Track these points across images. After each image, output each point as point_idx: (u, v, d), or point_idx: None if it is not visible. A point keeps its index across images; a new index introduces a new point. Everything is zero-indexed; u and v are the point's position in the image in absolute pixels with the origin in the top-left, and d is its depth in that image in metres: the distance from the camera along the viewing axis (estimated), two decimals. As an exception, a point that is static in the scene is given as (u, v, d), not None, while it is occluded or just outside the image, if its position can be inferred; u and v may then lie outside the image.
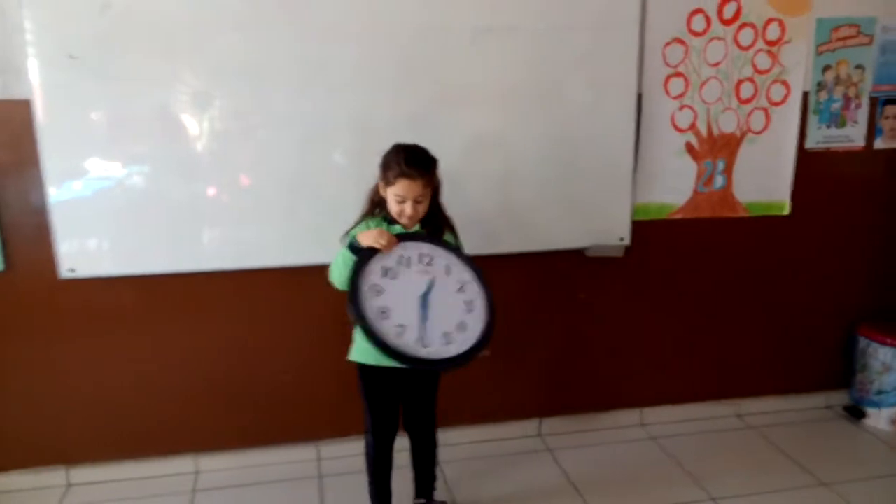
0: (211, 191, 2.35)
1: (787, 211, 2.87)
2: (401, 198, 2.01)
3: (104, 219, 2.30)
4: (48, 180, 2.23)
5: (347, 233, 2.08)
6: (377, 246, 1.96)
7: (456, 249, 2.10)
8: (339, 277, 2.02)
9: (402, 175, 1.99)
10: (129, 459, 2.56)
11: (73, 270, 2.30)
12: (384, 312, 1.99)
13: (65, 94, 2.19)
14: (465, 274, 2.06)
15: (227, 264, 2.42)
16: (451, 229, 2.16)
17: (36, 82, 2.16)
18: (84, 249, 2.30)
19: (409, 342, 1.99)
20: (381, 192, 2.07)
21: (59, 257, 2.28)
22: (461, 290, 2.05)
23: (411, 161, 2.00)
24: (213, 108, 2.30)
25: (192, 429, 2.59)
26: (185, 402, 2.55)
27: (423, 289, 2.01)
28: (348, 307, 1.98)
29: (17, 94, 2.19)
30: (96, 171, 2.26)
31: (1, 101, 2.20)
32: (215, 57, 2.26)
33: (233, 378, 2.57)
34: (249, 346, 2.55)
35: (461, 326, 2.04)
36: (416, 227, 2.07)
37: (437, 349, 2.02)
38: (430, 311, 2.01)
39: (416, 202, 2.01)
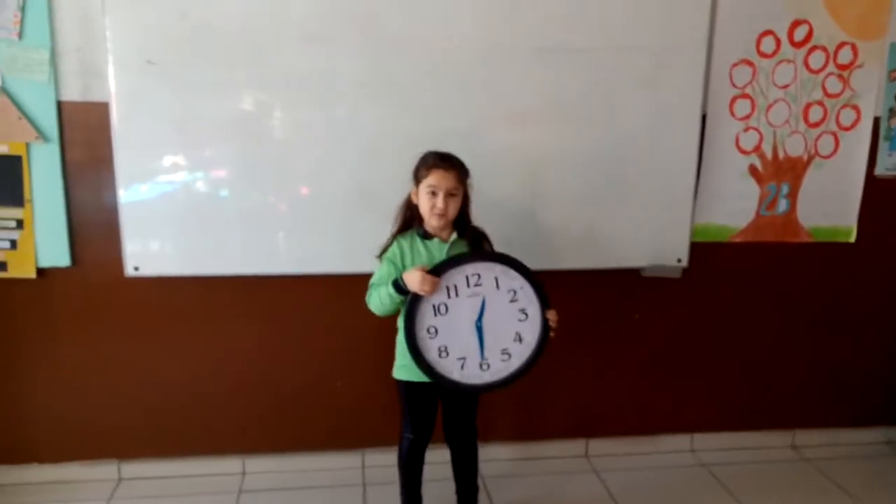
0: (271, 198, 2.45)
1: (853, 238, 2.85)
2: (433, 188, 2.07)
3: (169, 220, 2.41)
4: (120, 181, 2.35)
5: (381, 254, 2.16)
6: (422, 294, 2.02)
7: (499, 255, 2.13)
8: (379, 309, 2.12)
9: (436, 166, 2.08)
10: (180, 457, 2.67)
11: (137, 269, 2.41)
12: (443, 350, 2.09)
13: (140, 99, 2.31)
14: (515, 280, 2.10)
15: (285, 269, 2.51)
16: (486, 239, 2.22)
17: (114, 86, 2.29)
18: (149, 249, 2.42)
19: (472, 371, 2.11)
20: (414, 198, 2.14)
21: (126, 256, 2.40)
22: (513, 299, 2.11)
23: (445, 156, 2.11)
24: (278, 117, 2.40)
25: (241, 430, 2.69)
26: (236, 404, 2.66)
27: (476, 314, 2.08)
28: (400, 365, 2.14)
29: (96, 96, 2.32)
30: (164, 174, 2.38)
31: (81, 102, 2.33)
32: (282, 68, 2.36)
33: (283, 382, 2.66)
34: (302, 351, 2.64)
35: (518, 338, 2.12)
36: (454, 237, 2.13)
37: (498, 368, 2.13)
38: (485, 333, 2.09)
39: (448, 195, 2.07)
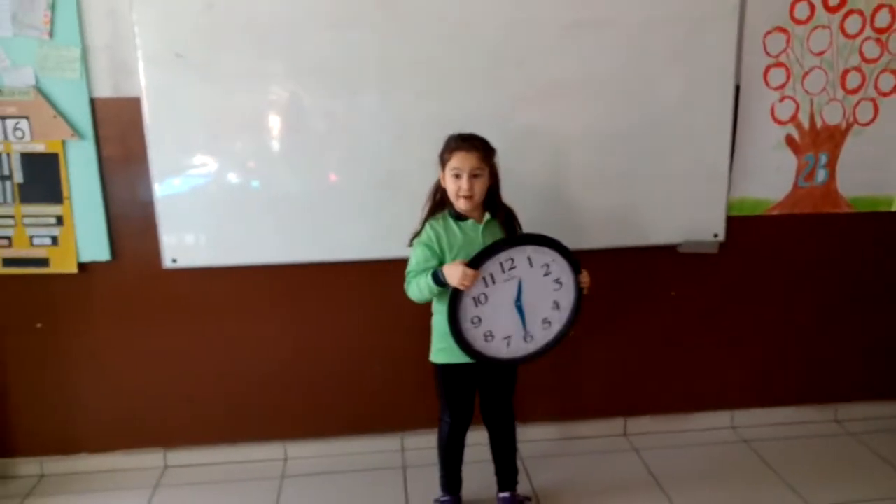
0: (302, 186, 2.52)
1: (894, 207, 2.86)
2: (457, 171, 2.12)
3: (203, 212, 2.50)
4: (154, 175, 2.44)
5: (412, 239, 2.21)
6: (462, 288, 2.07)
7: (529, 236, 2.19)
8: (418, 298, 2.18)
9: (457, 148, 2.13)
10: (223, 444, 2.78)
11: (175, 261, 2.52)
12: (488, 335, 2.17)
13: (170, 92, 2.40)
14: (546, 256, 2.17)
15: (319, 257, 2.59)
16: (515, 218, 2.28)
17: (144, 81, 2.37)
18: (185, 241, 2.51)
19: (517, 346, 2.21)
20: (442, 182, 2.19)
21: (163, 248, 2.50)
22: (547, 273, 2.19)
23: (466, 136, 2.16)
24: (306, 105, 2.47)
25: (282, 416, 2.79)
26: (276, 390, 2.75)
27: (514, 295, 2.16)
28: (437, 350, 2.24)
29: (127, 92, 2.41)
30: (197, 167, 2.47)
31: (113, 98, 2.42)
32: (310, 55, 2.43)
33: (321, 368, 2.75)
34: (339, 336, 2.72)
35: (555, 306, 2.22)
36: (487, 217, 2.18)
37: (540, 337, 2.24)
38: (526, 310, 2.18)
39: (472, 176, 2.11)
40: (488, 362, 2.21)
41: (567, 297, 2.23)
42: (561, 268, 2.19)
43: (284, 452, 2.82)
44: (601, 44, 2.53)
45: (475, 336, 2.16)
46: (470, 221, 2.18)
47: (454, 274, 2.06)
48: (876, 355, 3.04)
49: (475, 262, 2.08)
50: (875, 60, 2.70)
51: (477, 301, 2.12)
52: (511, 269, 2.13)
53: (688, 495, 2.53)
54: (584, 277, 2.22)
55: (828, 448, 2.88)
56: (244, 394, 2.75)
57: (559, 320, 2.24)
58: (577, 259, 2.19)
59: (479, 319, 2.15)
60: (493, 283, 2.12)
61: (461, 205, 2.14)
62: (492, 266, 2.11)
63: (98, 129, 2.44)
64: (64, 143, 2.42)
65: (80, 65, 2.36)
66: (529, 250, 2.14)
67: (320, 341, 2.73)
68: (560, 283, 2.21)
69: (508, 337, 2.19)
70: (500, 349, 2.20)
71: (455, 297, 2.10)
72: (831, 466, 2.73)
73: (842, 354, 3.02)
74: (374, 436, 2.84)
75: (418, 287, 2.15)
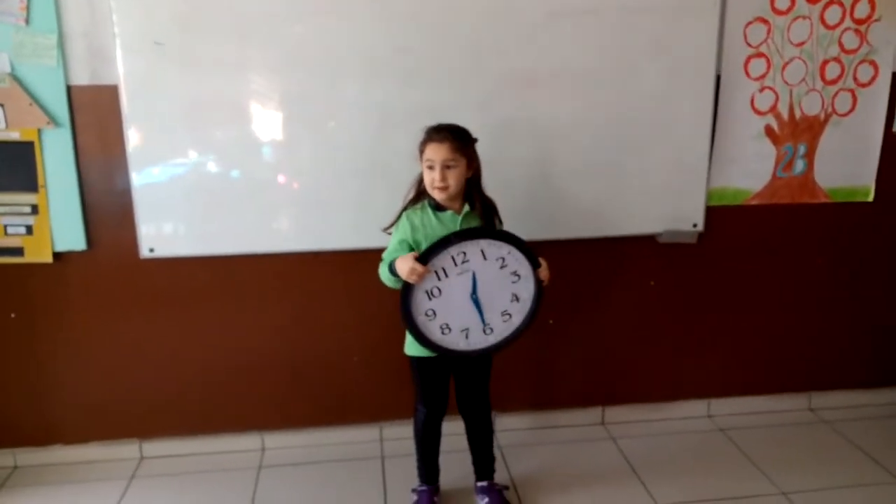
0: (282, 177, 2.60)
1: (871, 197, 2.98)
2: (430, 162, 2.18)
3: (182, 202, 2.57)
4: (132, 165, 2.50)
5: (390, 227, 2.29)
6: (411, 282, 2.15)
7: (479, 230, 2.24)
8: (387, 283, 2.25)
9: (429, 139, 2.19)
10: (200, 435, 2.87)
11: (152, 251, 2.58)
12: (445, 327, 2.25)
13: (149, 80, 2.45)
14: (500, 248, 2.22)
15: (299, 247, 2.67)
16: (494, 210, 2.33)
17: (122, 68, 2.42)
18: (163, 231, 2.58)
19: (476, 338, 2.28)
20: (423, 173, 2.26)
21: (140, 238, 2.57)
22: (503, 266, 2.24)
23: (439, 127, 2.21)
24: (287, 94, 2.54)
25: (259, 407, 2.87)
26: (253, 381, 2.83)
27: (469, 288, 2.23)
28: (409, 341, 2.29)
29: (105, 79, 2.46)
30: (176, 156, 2.53)
31: (90, 86, 2.46)
32: (290, 44, 2.49)
33: (299, 358, 2.84)
34: (318, 327, 2.81)
35: (514, 297, 2.28)
36: (466, 209, 2.24)
37: (501, 329, 2.30)
38: (482, 302, 2.25)
39: (445, 167, 2.17)
40: (448, 354, 2.29)
41: (527, 290, 2.29)
42: (517, 260, 2.24)
43: (262, 443, 2.91)
44: (582, 34, 2.61)
45: (431, 329, 2.25)
46: (449, 213, 2.25)
47: (403, 268, 2.14)
48: (850, 344, 3.18)
49: (425, 257, 2.15)
50: (854, 51, 2.81)
51: (430, 294, 2.20)
52: (464, 262, 2.20)
53: (664, 483, 2.65)
54: (543, 270, 2.27)
55: (802, 436, 3.02)
56: (221, 384, 2.82)
57: (520, 311, 2.31)
58: (534, 252, 2.25)
59: (434, 312, 2.23)
60: (446, 276, 2.19)
61: (436, 195, 2.21)
62: (443, 260, 2.17)
63: (75, 116, 2.49)
64: (40, 131, 2.47)
65: (56, 52, 2.40)
66: (483, 243, 2.20)
67: (299, 331, 2.81)
68: (518, 276, 2.27)
69: (466, 329, 2.27)
70: (457, 342, 2.28)
71: (406, 291, 2.18)
72: (805, 454, 2.87)
73: (817, 343, 3.16)
74: (352, 426, 2.94)
75: (385, 274, 2.23)
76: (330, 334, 2.82)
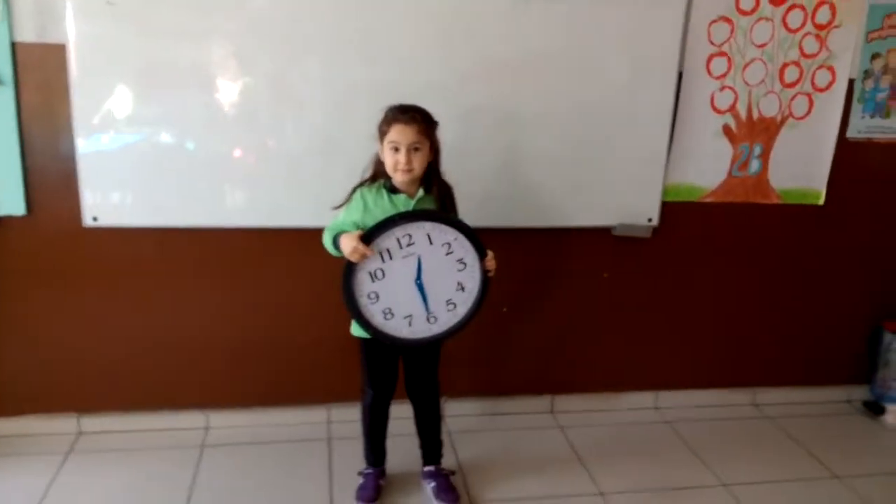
0: (238, 150, 2.52)
1: (821, 201, 3.03)
2: (395, 144, 2.12)
3: (131, 171, 2.47)
4: (78, 128, 2.40)
5: (342, 205, 2.23)
6: (353, 260, 2.10)
7: (429, 212, 2.20)
8: (332, 253, 2.17)
9: (396, 120, 2.13)
10: (141, 411, 2.79)
11: (96, 219, 2.48)
12: (388, 312, 2.20)
13: (99, 42, 2.35)
14: (447, 234, 2.16)
15: (251, 223, 2.60)
16: (449, 196, 2.29)
17: (71, 28, 2.31)
18: (109, 199, 2.48)
19: (420, 327, 2.23)
20: (380, 154, 2.20)
21: (84, 206, 2.47)
22: (449, 252, 2.18)
23: (405, 108, 2.15)
24: (246, 67, 2.46)
25: (203, 384, 2.80)
26: (198, 358, 2.77)
27: (413, 273, 2.17)
28: (355, 322, 2.23)
29: (52, 37, 2.35)
30: (126, 123, 2.43)
31: (37, 44, 2.35)
32: (252, 16, 2.41)
33: (247, 336, 2.78)
34: (267, 305, 2.75)
35: (460, 287, 2.23)
36: (420, 193, 2.19)
37: (445, 319, 2.25)
38: (427, 289, 2.20)
39: (411, 150, 2.12)
40: (390, 341, 2.24)
41: (472, 280, 2.23)
42: (464, 248, 2.19)
43: (206, 421, 2.84)
44: (548, 22, 2.59)
45: (373, 312, 2.19)
46: (403, 196, 2.20)
47: (346, 246, 2.08)
48: (793, 343, 3.25)
49: (368, 236, 2.09)
50: (814, 56, 2.85)
51: (373, 276, 2.15)
52: (409, 245, 2.14)
53: (610, 472, 2.67)
54: (490, 261, 2.22)
55: (746, 430, 3.08)
56: (165, 360, 2.75)
57: (464, 302, 2.25)
58: (480, 241, 2.20)
59: (377, 295, 2.17)
60: (391, 258, 2.14)
61: (399, 178, 2.16)
62: (388, 241, 2.12)
63: (18, 74, 2.37)
64: (-20, 88, 2.36)
65: (2, 5, 2.28)
66: (429, 227, 2.14)
67: (247, 309, 2.75)
68: (464, 264, 2.21)
69: (409, 316, 2.22)
70: (401, 328, 2.22)
71: (349, 270, 2.13)
72: (748, 447, 2.93)
73: (763, 340, 3.21)
74: (300, 407, 2.89)
75: (328, 243, 2.18)
76: (279, 313, 2.77)
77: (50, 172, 2.48)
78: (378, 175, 2.23)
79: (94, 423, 2.77)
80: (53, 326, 2.65)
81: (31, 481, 2.47)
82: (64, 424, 2.75)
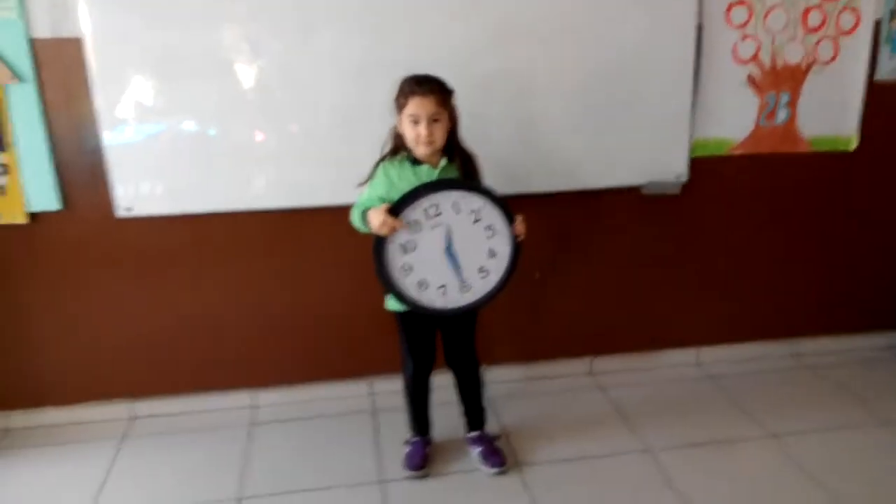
0: (260, 133, 2.56)
1: (853, 146, 2.99)
2: (414, 117, 2.13)
3: (158, 160, 2.52)
4: (102, 121, 2.45)
5: (366, 181, 2.25)
6: (382, 235, 2.12)
7: (453, 181, 2.21)
8: (361, 229, 2.21)
9: (413, 93, 2.12)
10: (190, 393, 2.87)
11: (129, 209, 2.54)
12: (422, 284, 2.22)
13: (114, 34, 2.38)
14: (474, 202, 2.18)
15: (278, 204, 2.64)
16: (472, 163, 2.30)
17: (86, 20, 2.34)
18: (140, 190, 2.54)
19: (454, 296, 2.25)
20: (399, 127, 2.21)
21: (116, 197, 2.53)
22: (477, 219, 2.20)
23: (422, 80, 2.15)
24: (262, 50, 2.49)
25: (249, 364, 2.87)
26: (241, 338, 2.83)
27: (444, 242, 2.19)
28: (390, 296, 2.25)
29: (67, 32, 2.38)
30: (147, 112, 2.47)
31: (54, 39, 2.39)
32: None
33: (287, 314, 2.83)
34: (303, 283, 2.80)
35: (491, 253, 2.24)
36: (443, 163, 2.20)
37: (479, 287, 2.26)
38: (459, 258, 2.22)
39: (431, 122, 2.12)
40: (425, 311, 2.26)
41: (503, 245, 2.24)
42: (491, 214, 2.20)
43: (253, 400, 2.91)
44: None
45: (408, 285, 2.21)
46: (425, 166, 2.21)
47: (375, 220, 2.11)
48: (832, 290, 3.22)
49: (395, 209, 2.11)
50: (835, -1, 2.81)
51: (404, 248, 2.17)
52: (437, 215, 2.16)
53: (654, 429, 2.69)
54: (519, 225, 2.23)
55: (789, 381, 3.06)
56: (210, 341, 2.82)
57: (497, 269, 2.27)
58: (508, 206, 2.21)
59: (410, 267, 2.19)
60: (420, 230, 2.16)
61: (421, 150, 2.17)
62: (416, 212, 2.14)
63: (40, 71, 2.41)
64: (4, 87, 2.40)
65: (16, 3, 2.32)
66: (455, 195, 2.16)
67: (285, 288, 2.80)
68: (493, 230, 2.22)
69: (443, 286, 2.24)
70: (435, 298, 2.24)
71: (380, 245, 2.15)
72: (793, 398, 2.92)
73: (802, 290, 3.19)
74: (343, 381, 2.95)
75: (356, 220, 2.21)
76: (316, 290, 2.82)
77: (80, 166, 2.53)
78: (399, 148, 2.24)
79: (146, 407, 2.85)
80: (98, 316, 2.72)
81: (89, 468, 2.56)
82: (117, 410, 2.84)
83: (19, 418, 2.78)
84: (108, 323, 2.74)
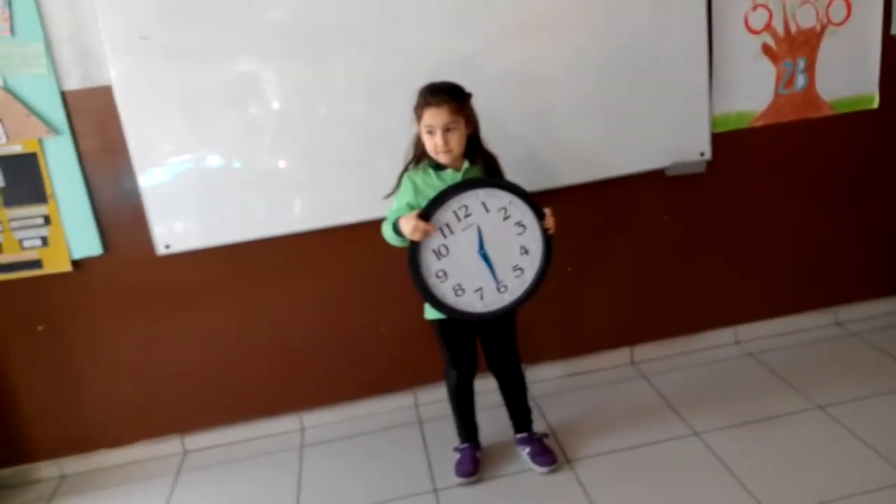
0: (283, 162, 2.62)
1: (875, 104, 2.96)
2: (430, 128, 2.17)
3: (190, 196, 2.59)
4: (137, 165, 2.51)
5: (392, 192, 2.28)
6: (416, 239, 2.15)
7: (478, 179, 2.23)
8: (391, 242, 2.25)
9: (427, 104, 2.16)
10: (239, 422, 2.91)
11: (168, 247, 2.60)
12: (458, 288, 2.23)
13: (141, 77, 2.45)
14: (502, 199, 2.20)
15: (309, 226, 2.68)
16: (494, 164, 2.32)
17: (112, 68, 2.42)
18: (175, 227, 2.60)
19: (492, 298, 2.27)
20: (421, 135, 2.24)
21: (155, 236, 2.59)
22: (507, 217, 2.22)
23: (434, 90, 2.18)
24: (276, 78, 2.55)
25: (293, 387, 2.91)
26: (285, 362, 2.87)
27: (476, 244, 2.21)
28: (428, 306, 2.27)
29: (98, 80, 2.46)
30: (178, 150, 2.55)
31: (84, 90, 2.47)
32: (272, 25, 2.49)
33: (326, 335, 2.87)
34: (340, 301, 2.83)
35: (524, 251, 2.26)
36: (466, 165, 2.23)
37: (515, 286, 2.28)
38: (492, 258, 2.23)
39: (445, 131, 2.15)
40: (465, 317, 2.28)
41: (534, 241, 2.25)
42: (520, 210, 2.22)
43: (300, 423, 2.95)
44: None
45: (444, 291, 2.22)
46: (449, 171, 2.24)
47: (407, 226, 2.13)
48: (868, 254, 3.19)
49: (426, 214, 2.13)
50: (845, -43, 2.78)
51: (438, 254, 2.18)
52: (466, 216, 2.18)
53: (702, 413, 2.68)
54: (548, 219, 2.24)
55: (832, 351, 3.04)
56: (253, 369, 2.86)
57: (531, 266, 2.28)
58: (535, 201, 2.23)
59: (445, 273, 2.21)
60: (451, 232, 2.17)
61: (441, 160, 2.21)
62: (446, 215, 2.16)
63: (73, 122, 2.49)
64: (41, 140, 2.48)
65: (45, 59, 2.40)
66: (482, 194, 2.18)
67: (322, 308, 2.84)
68: (523, 226, 2.24)
69: (480, 289, 2.25)
70: (474, 302, 2.26)
71: (414, 252, 2.16)
72: (838, 368, 2.90)
73: (836, 257, 3.16)
74: (386, 395, 2.98)
75: (388, 233, 2.24)
76: (353, 307, 2.85)
77: (119, 210, 2.60)
78: (422, 155, 2.28)
79: (196, 440, 2.91)
80: (144, 355, 2.78)
81: (148, 506, 2.62)
82: (169, 446, 2.90)
83: (73, 464, 2.84)
84: (154, 360, 2.79)
